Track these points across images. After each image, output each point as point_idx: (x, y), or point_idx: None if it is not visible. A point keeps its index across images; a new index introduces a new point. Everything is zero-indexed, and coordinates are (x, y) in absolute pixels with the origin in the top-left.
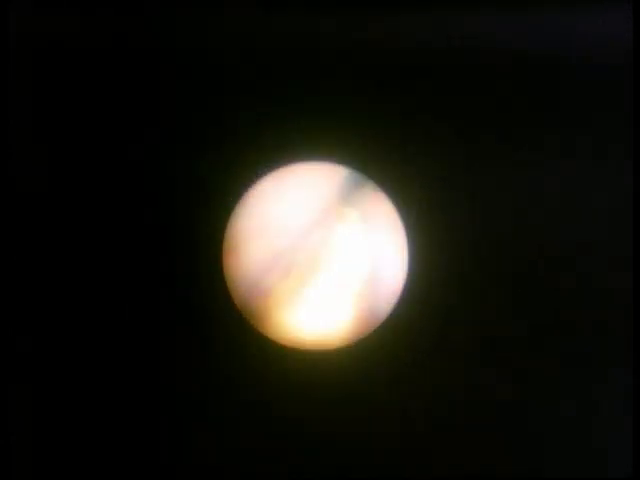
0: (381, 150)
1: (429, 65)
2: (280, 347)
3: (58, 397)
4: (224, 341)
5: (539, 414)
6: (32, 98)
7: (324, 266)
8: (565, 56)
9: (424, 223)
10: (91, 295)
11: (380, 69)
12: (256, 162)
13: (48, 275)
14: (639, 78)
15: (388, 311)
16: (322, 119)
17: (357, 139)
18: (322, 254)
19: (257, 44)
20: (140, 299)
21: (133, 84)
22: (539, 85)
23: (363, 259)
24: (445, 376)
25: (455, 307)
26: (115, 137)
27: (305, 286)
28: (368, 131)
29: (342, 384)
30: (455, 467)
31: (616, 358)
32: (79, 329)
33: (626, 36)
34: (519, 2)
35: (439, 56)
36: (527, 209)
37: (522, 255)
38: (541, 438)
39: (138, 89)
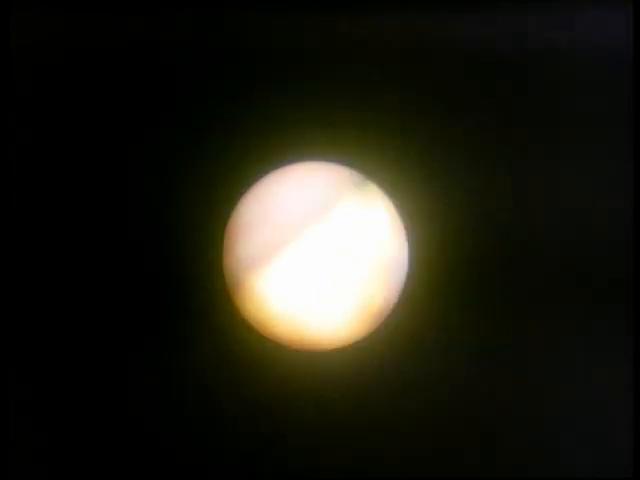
0: (381, 150)
1: (429, 65)
2: (280, 347)
3: (57, 396)
4: (224, 341)
5: (539, 414)
6: (32, 98)
7: (324, 266)
8: (565, 56)
9: (424, 223)
10: (90, 294)
11: (380, 69)
12: (256, 162)
13: (47, 275)
14: (639, 78)
15: (388, 311)
16: (322, 119)
17: (357, 139)
18: (322, 254)
19: (257, 44)
20: (139, 299)
21: (133, 84)
22: (539, 85)
23: (363, 259)
24: (445, 376)
25: (455, 307)
26: (115, 137)
27: (305, 286)
28: (368, 131)
29: (342, 384)
30: (455, 466)
31: (616, 359)
32: (78, 328)
33: (626, 36)
34: (519, 2)
35: (439, 56)
36: (527, 209)
37: (522, 255)
38: (541, 438)
39: (138, 89)
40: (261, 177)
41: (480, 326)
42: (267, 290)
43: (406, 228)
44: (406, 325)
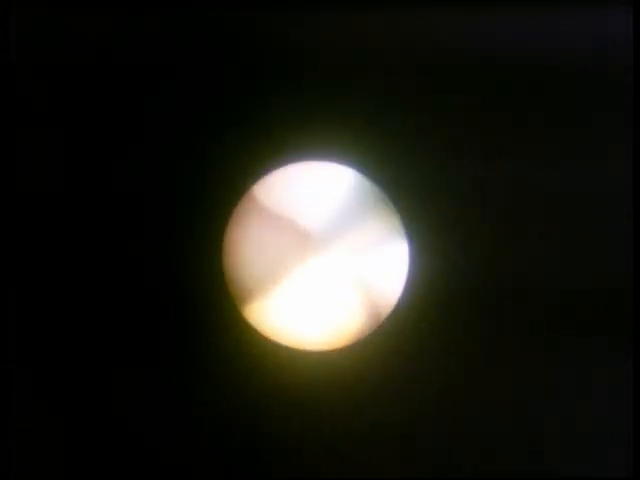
0: (382, 151)
1: (429, 65)
2: (280, 347)
3: (57, 395)
4: (224, 341)
5: (539, 414)
6: (32, 99)
7: (324, 266)
8: (565, 56)
9: (425, 224)
10: (90, 295)
11: (380, 69)
12: (256, 162)
13: (46, 275)
14: (639, 78)
15: (388, 311)
16: (323, 119)
17: (358, 139)
18: (322, 253)
19: (257, 44)
20: (139, 299)
21: (133, 84)
22: (539, 85)
23: (363, 259)
24: (445, 376)
25: (456, 308)
26: (115, 137)
27: (305, 286)
28: (369, 131)
29: (342, 384)
30: (456, 466)
31: (617, 359)
32: (77, 329)
33: (626, 36)
34: (519, 2)
35: (439, 56)
36: (528, 209)
37: (523, 256)
38: (541, 438)
39: (138, 89)
40: (261, 177)
41: (480, 327)
42: (268, 291)
43: (407, 229)
44: (406, 325)
